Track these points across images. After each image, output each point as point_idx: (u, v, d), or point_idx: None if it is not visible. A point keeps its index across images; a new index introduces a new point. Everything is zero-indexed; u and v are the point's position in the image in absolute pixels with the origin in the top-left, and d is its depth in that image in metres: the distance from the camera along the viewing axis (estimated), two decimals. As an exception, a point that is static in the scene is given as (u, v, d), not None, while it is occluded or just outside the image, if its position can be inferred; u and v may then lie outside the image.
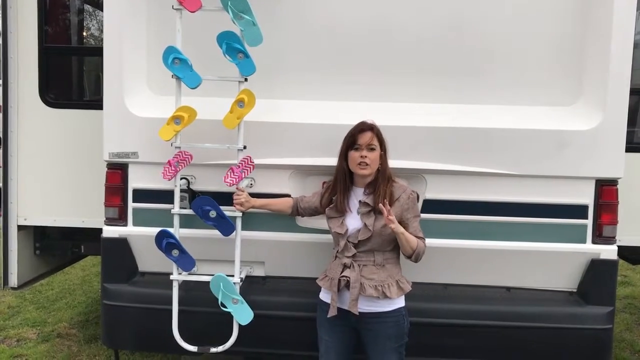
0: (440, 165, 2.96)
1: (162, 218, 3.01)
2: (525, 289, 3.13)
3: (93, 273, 6.24)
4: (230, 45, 2.74)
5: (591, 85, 2.93)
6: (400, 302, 2.66)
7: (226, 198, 2.90)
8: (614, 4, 2.83)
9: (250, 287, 3.07)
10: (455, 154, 2.96)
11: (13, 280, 3.86)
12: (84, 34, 4.57)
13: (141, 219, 3.13)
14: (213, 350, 2.95)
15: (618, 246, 3.08)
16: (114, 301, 3.13)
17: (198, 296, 2.97)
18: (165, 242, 2.85)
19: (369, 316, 2.62)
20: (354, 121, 2.69)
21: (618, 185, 3.00)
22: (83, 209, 3.74)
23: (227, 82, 2.85)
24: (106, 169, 3.12)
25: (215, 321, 2.96)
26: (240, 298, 2.85)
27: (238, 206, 2.85)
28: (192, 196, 3.01)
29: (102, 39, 3.07)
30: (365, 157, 2.60)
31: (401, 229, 2.55)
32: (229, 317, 2.88)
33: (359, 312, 2.59)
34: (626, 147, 2.95)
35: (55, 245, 4.13)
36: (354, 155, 2.63)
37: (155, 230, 2.88)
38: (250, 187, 3.03)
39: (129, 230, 3.14)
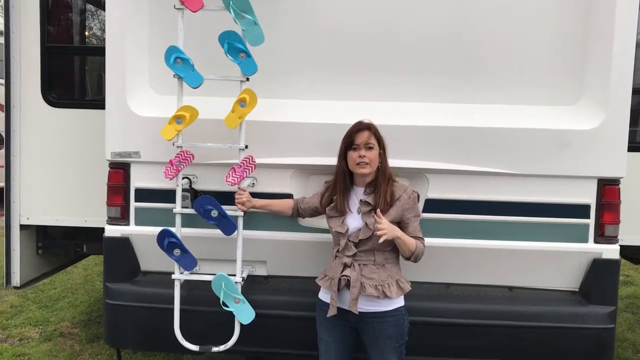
0: (442, 164, 2.96)
1: (164, 217, 3.01)
2: (527, 288, 3.13)
3: (95, 272, 6.25)
4: (232, 44, 2.75)
5: (593, 84, 2.92)
6: (399, 302, 2.66)
7: (228, 197, 2.90)
8: (616, 3, 2.82)
9: (252, 286, 3.08)
10: (457, 153, 2.95)
11: (15, 280, 3.87)
12: (86, 33, 4.57)
13: (143, 219, 3.13)
14: (215, 349, 2.96)
15: (620, 246, 3.07)
16: (116, 300, 3.14)
17: (200, 295, 2.98)
18: (167, 242, 2.86)
19: (369, 316, 2.62)
20: (356, 120, 2.69)
21: (620, 185, 3.00)
22: (85, 209, 3.75)
23: (229, 82, 2.85)
24: (108, 168, 3.12)
25: (217, 320, 2.96)
26: (241, 297, 2.85)
27: (239, 205, 2.85)
28: (194, 195, 3.02)
29: (104, 39, 3.08)
30: (364, 156, 2.60)
31: (397, 233, 2.54)
32: (230, 316, 2.88)
33: (359, 312, 2.59)
34: (628, 147, 2.94)
35: (58, 245, 4.14)
36: (352, 155, 2.63)
37: (157, 230, 2.88)
38: (252, 186, 3.04)
39: (131, 229, 3.15)
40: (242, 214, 2.89)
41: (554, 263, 3.07)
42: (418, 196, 2.71)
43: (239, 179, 2.84)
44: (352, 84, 3.00)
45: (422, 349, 2.95)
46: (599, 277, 3.03)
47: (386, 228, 2.49)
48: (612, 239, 3.03)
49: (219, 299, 2.83)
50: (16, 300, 5.35)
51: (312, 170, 3.05)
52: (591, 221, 3.01)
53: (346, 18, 2.97)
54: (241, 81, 2.83)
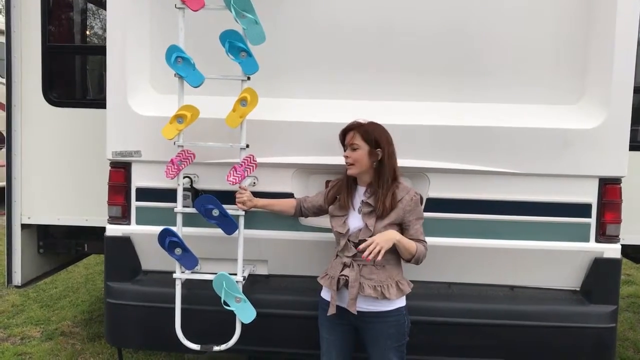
0: (443, 164, 2.96)
1: (165, 217, 3.01)
2: (528, 287, 3.13)
3: (96, 272, 6.25)
4: (233, 44, 2.74)
5: (595, 83, 2.92)
6: (400, 302, 2.65)
7: (229, 197, 2.90)
8: (617, 2, 2.82)
9: (253, 285, 3.08)
10: (458, 152, 2.95)
11: (17, 279, 3.87)
12: (87, 33, 4.57)
13: (144, 218, 3.13)
14: (216, 348, 2.96)
15: (621, 245, 3.07)
16: (117, 299, 3.14)
17: (201, 295, 2.98)
18: (168, 241, 2.86)
19: (369, 315, 2.62)
20: (354, 120, 2.69)
21: (621, 184, 2.99)
22: (86, 208, 3.75)
23: (230, 81, 2.85)
24: (109, 167, 3.12)
25: (218, 320, 2.96)
26: (243, 296, 2.85)
27: (240, 205, 2.85)
28: (195, 195, 3.02)
29: (105, 38, 3.08)
30: (347, 156, 2.63)
31: (395, 237, 2.52)
32: (231, 315, 2.88)
33: (359, 311, 2.59)
34: (630, 146, 2.94)
35: (59, 244, 4.14)
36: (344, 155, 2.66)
37: (158, 229, 2.88)
38: (253, 185, 3.04)
39: (132, 228, 3.15)
40: (243, 213, 2.89)
41: (555, 262, 3.06)
42: (421, 198, 2.70)
43: (240, 178, 2.84)
44: (353, 83, 3.00)
45: (423, 348, 2.95)
46: (600, 276, 3.03)
47: (378, 243, 2.46)
48: (614, 238, 3.03)
49: (220, 298, 2.83)
50: (17, 300, 5.35)
51: (313, 170, 3.05)
52: (592, 220, 3.01)
53: (347, 17, 2.96)
54: (242, 80, 2.83)
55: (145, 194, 3.12)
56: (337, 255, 2.71)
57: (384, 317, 2.62)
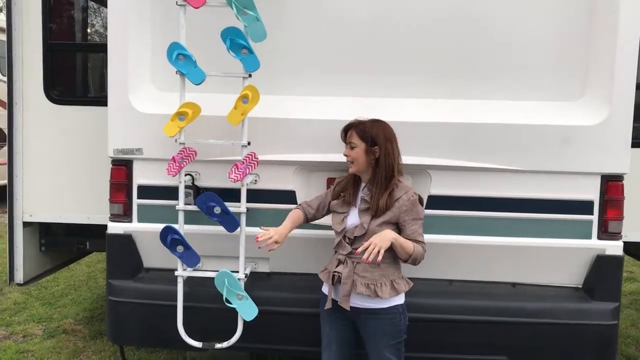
0: (444, 161, 2.96)
1: (166, 214, 3.01)
2: (530, 284, 3.12)
3: (98, 269, 6.26)
4: (234, 41, 2.74)
5: (597, 80, 2.91)
6: (397, 300, 2.63)
7: (230, 194, 2.91)
8: (620, -1, 2.81)
9: (255, 283, 3.08)
10: (459, 149, 2.95)
11: (19, 277, 3.88)
12: (89, 30, 4.57)
13: (146, 215, 3.13)
14: (218, 346, 2.96)
15: (623, 242, 3.06)
16: (119, 297, 3.14)
17: (203, 292, 2.99)
18: (170, 238, 2.86)
19: (363, 312, 2.62)
20: (359, 117, 2.69)
21: (624, 181, 2.99)
22: (88, 206, 3.75)
23: (231, 78, 2.84)
24: (111, 165, 3.12)
25: (220, 317, 2.96)
26: (244, 294, 2.85)
27: (273, 249, 2.68)
28: (197, 192, 3.01)
29: (106, 36, 3.07)
30: (346, 155, 2.65)
31: (391, 236, 2.50)
32: (233, 313, 2.89)
33: (355, 307, 2.60)
34: (632, 143, 2.93)
35: (61, 242, 4.15)
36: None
37: (159, 227, 2.89)
38: (255, 183, 3.04)
39: (134, 226, 3.15)
40: (244, 210, 2.89)
41: (557, 259, 3.06)
42: (421, 199, 2.68)
43: (241, 176, 2.84)
44: (355, 80, 2.99)
45: (424, 345, 2.95)
46: (603, 273, 3.03)
47: (377, 244, 2.44)
48: (616, 235, 3.03)
49: (222, 295, 2.83)
50: (19, 297, 5.36)
51: (314, 167, 3.05)
52: (594, 217, 3.00)
53: (349, 14, 2.96)
54: (243, 77, 2.83)
55: (146, 191, 3.12)
56: (335, 251, 2.71)
57: (378, 315, 2.61)
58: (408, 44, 2.96)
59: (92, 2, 4.54)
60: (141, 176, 3.11)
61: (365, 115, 2.69)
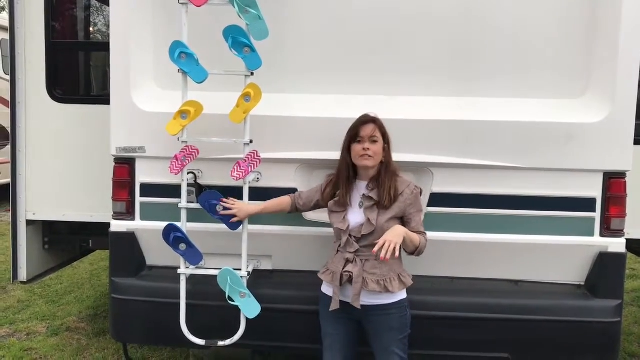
0: (447, 158, 2.96)
1: (169, 212, 3.02)
2: (533, 282, 3.12)
3: (101, 267, 6.27)
4: (236, 39, 2.74)
5: (599, 77, 2.90)
6: (402, 294, 2.67)
7: (233, 192, 2.91)
8: (622, -4, 2.81)
9: (258, 280, 3.08)
10: (462, 147, 2.95)
11: (22, 275, 3.89)
12: (91, 29, 4.58)
13: (149, 213, 3.14)
14: (221, 343, 2.97)
15: (626, 239, 3.06)
16: (122, 295, 3.15)
17: (206, 290, 2.99)
18: (173, 236, 2.87)
19: (372, 309, 2.63)
20: (361, 114, 2.69)
21: (626, 178, 2.98)
22: (91, 204, 3.76)
23: (234, 77, 2.85)
24: (113, 163, 3.13)
25: (222, 315, 2.97)
26: (247, 292, 2.86)
27: (234, 219, 2.84)
28: (199, 190, 3.02)
29: (109, 34, 3.08)
30: (368, 149, 2.61)
31: (405, 231, 2.54)
32: (236, 310, 2.89)
33: (363, 305, 2.60)
34: (634, 140, 2.93)
35: (64, 240, 4.17)
36: (356, 148, 2.63)
37: (162, 225, 2.89)
38: (257, 181, 3.04)
39: (137, 224, 3.15)
40: (247, 208, 2.90)
41: (559, 257, 3.06)
42: (421, 191, 2.71)
43: (244, 174, 2.84)
44: (357, 78, 2.99)
45: (426, 342, 2.95)
46: (605, 270, 3.02)
47: (392, 240, 2.45)
48: (618, 233, 3.02)
49: (225, 293, 2.84)
50: (23, 295, 5.38)
51: (316, 165, 3.05)
52: (597, 215, 3.00)
53: (351, 12, 2.96)
54: (245, 76, 2.83)
55: (149, 189, 3.12)
56: (338, 251, 2.70)
57: (387, 310, 2.63)
58: (410, 42, 2.96)
59: (95, 1, 4.54)
60: (144, 174, 3.11)
61: (364, 112, 2.68)
